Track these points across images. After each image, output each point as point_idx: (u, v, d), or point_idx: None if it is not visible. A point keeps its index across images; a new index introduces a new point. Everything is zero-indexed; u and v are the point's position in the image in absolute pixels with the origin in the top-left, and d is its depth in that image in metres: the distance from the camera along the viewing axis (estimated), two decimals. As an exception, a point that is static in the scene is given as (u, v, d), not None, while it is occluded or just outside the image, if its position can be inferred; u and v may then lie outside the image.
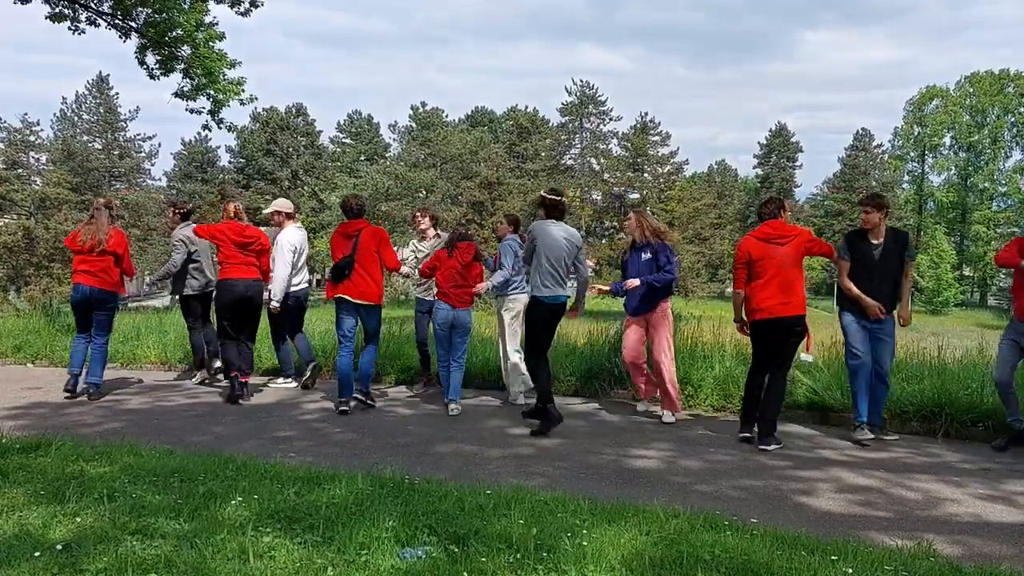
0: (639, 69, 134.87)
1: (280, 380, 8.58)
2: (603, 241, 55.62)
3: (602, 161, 60.69)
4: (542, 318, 6.51)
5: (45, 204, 50.65)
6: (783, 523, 4.15)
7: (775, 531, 3.79)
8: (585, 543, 3.41)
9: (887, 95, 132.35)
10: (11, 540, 3.34)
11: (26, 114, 63.75)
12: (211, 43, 14.29)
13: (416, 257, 8.22)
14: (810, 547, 3.54)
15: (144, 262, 46.58)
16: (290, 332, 8.52)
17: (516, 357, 7.72)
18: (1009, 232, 63.85)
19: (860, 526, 4.29)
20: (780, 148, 74.81)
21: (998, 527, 4.37)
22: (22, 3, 13.20)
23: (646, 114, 62.41)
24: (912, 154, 74.43)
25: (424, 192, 52.06)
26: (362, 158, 70.79)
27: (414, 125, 69.33)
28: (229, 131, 16.54)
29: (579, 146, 62.45)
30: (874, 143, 72.51)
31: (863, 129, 73.29)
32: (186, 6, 13.80)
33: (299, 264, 8.39)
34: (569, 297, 6.64)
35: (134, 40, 14.19)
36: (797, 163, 75.08)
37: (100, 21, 14.03)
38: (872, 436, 6.23)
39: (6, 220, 48.06)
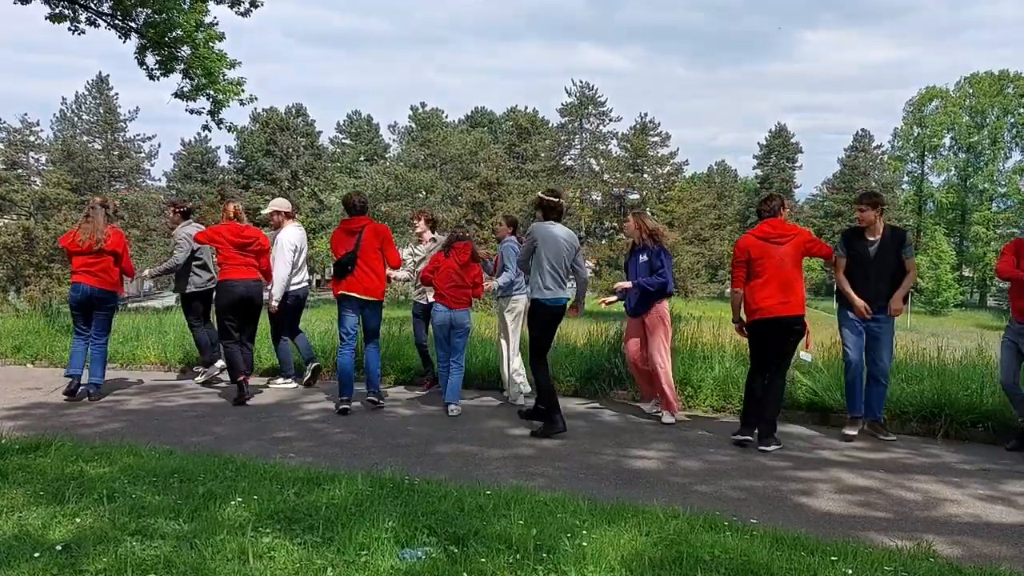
0: (639, 69, 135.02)
1: (280, 380, 8.58)
2: (603, 242, 55.63)
3: (602, 162, 60.70)
4: (544, 320, 6.49)
5: (45, 204, 50.68)
6: (783, 524, 4.15)
7: (775, 532, 3.79)
8: (585, 543, 3.41)
9: (887, 95, 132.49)
10: (11, 541, 3.34)
11: (26, 114, 63.96)
12: (211, 43, 14.30)
13: (413, 261, 8.22)
14: (810, 548, 3.55)
15: (144, 263, 46.50)
16: (290, 331, 8.52)
17: (517, 359, 7.73)
18: (1009, 233, 63.87)
19: (860, 527, 4.29)
20: (780, 149, 74.89)
21: (998, 528, 4.37)
22: (22, 3, 13.21)
23: (646, 115, 62.52)
24: (912, 155, 74.49)
25: (424, 193, 52.11)
26: (362, 159, 70.82)
27: (414, 126, 69.37)
28: (229, 131, 16.56)
29: (579, 147, 62.47)
30: (874, 144, 72.63)
31: (863, 130, 73.44)
32: (186, 6, 13.81)
33: (299, 263, 8.41)
34: (569, 298, 6.64)
35: (134, 40, 14.21)
36: (797, 164, 75.23)
37: (100, 21, 14.04)
38: (854, 432, 6.42)
39: (6, 220, 48.01)
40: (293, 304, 8.43)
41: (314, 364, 8.67)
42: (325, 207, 59.75)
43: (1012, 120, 69.78)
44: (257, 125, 65.48)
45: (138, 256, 44.38)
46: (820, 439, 6.46)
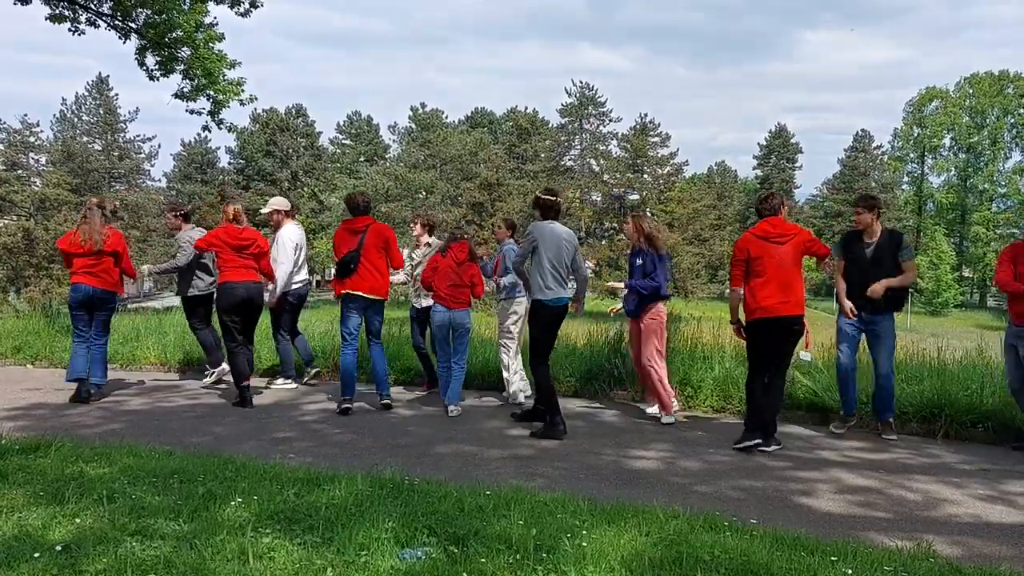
0: (639, 69, 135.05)
1: (280, 381, 8.58)
2: (603, 242, 55.61)
3: (602, 162, 60.70)
4: (546, 321, 6.48)
5: (45, 205, 50.68)
6: (783, 524, 4.15)
7: (775, 532, 3.79)
8: (585, 544, 3.41)
9: (887, 95, 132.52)
10: (11, 541, 3.34)
11: (26, 115, 63.76)
12: (211, 44, 14.29)
13: (410, 265, 8.22)
14: (810, 548, 3.55)
15: (144, 263, 46.68)
16: (290, 330, 8.53)
17: (518, 361, 7.74)
18: (1009, 233, 63.89)
19: (860, 527, 4.29)
20: (780, 149, 74.91)
21: (998, 528, 4.37)
22: (22, 3, 13.20)
23: (646, 115, 62.42)
24: (912, 155, 74.54)
25: (424, 193, 52.12)
26: (362, 159, 70.88)
27: (414, 126, 69.44)
28: (229, 132, 16.57)
29: (579, 147, 62.49)
30: (874, 144, 72.63)
31: (863, 130, 73.50)
32: (186, 7, 13.80)
33: (300, 261, 8.44)
34: (571, 298, 6.64)
35: (134, 41, 14.20)
36: (797, 164, 75.25)
37: (100, 22, 14.03)
38: (841, 431, 6.57)
39: (6, 221, 48.02)
40: (295, 302, 8.45)
41: (315, 370, 8.72)
42: (325, 207, 59.78)
43: (1012, 120, 69.81)
44: (257, 126, 65.49)
45: (138, 257, 44.37)
46: (820, 439, 6.46)
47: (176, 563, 3.14)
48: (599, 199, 59.10)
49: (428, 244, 8.19)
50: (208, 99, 14.69)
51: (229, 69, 14.63)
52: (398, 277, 7.89)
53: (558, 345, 7.93)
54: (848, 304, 6.45)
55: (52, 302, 14.23)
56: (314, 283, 54.40)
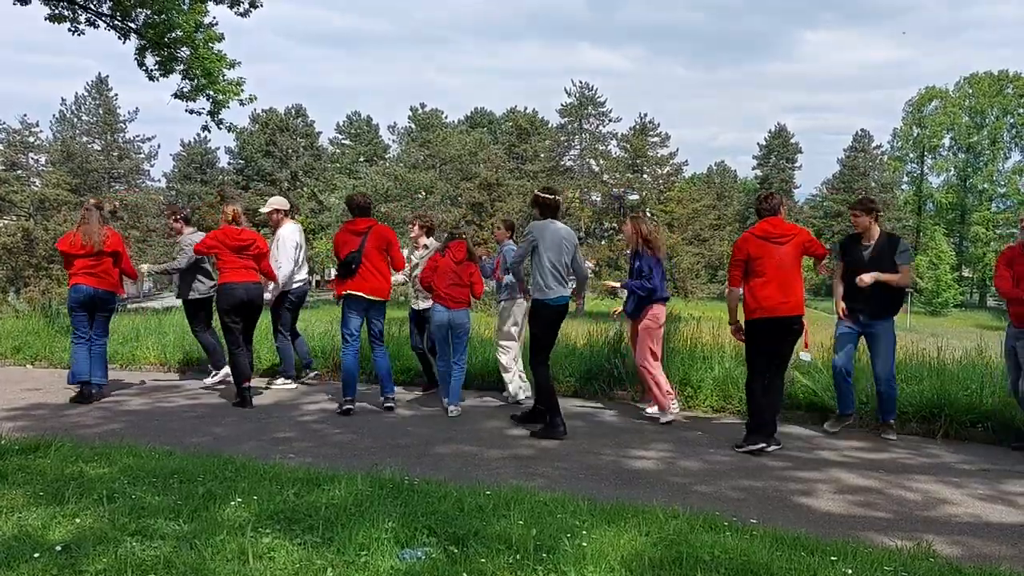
0: (639, 69, 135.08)
1: (280, 381, 8.58)
2: (602, 243, 55.61)
3: (601, 162, 60.65)
4: (547, 320, 6.48)
5: (44, 205, 50.65)
6: (782, 524, 4.15)
7: (775, 532, 3.79)
8: (585, 544, 3.41)
9: (887, 95, 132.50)
10: (10, 541, 3.34)
11: (25, 115, 63.92)
12: (210, 44, 14.29)
13: (409, 266, 8.22)
14: (810, 548, 3.55)
15: (143, 263, 46.70)
16: (290, 330, 8.54)
17: (518, 363, 7.75)
18: (1008, 233, 63.89)
19: (860, 527, 4.29)
20: (779, 149, 74.91)
21: (997, 528, 4.37)
22: (22, 4, 13.20)
23: (645, 115, 62.35)
24: (911, 155, 74.62)
25: (423, 193, 52.11)
26: (361, 159, 70.91)
27: (413, 126, 69.44)
28: (229, 132, 16.57)
29: (578, 147, 62.42)
30: (873, 144, 72.64)
31: (862, 130, 73.46)
32: (185, 7, 13.80)
33: (300, 260, 8.46)
34: (571, 296, 6.65)
35: (133, 41, 14.20)
36: (796, 164, 75.25)
37: (99, 22, 14.03)
38: (835, 429, 6.64)
39: (5, 221, 47.99)
40: (295, 301, 8.51)
41: (313, 373, 8.77)
42: (325, 208, 59.77)
43: (1011, 120, 69.88)
44: (257, 126, 65.49)
45: (138, 257, 44.36)
46: (820, 439, 6.46)
47: (176, 563, 3.14)
48: (599, 199, 59.06)
49: (425, 246, 8.18)
50: (208, 99, 14.70)
51: (229, 69, 14.64)
52: (397, 278, 7.89)
53: (558, 345, 7.93)
54: (841, 305, 6.52)
55: (52, 302, 14.22)
56: (314, 283, 54.43)
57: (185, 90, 14.60)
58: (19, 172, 53.55)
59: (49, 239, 41.44)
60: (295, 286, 8.45)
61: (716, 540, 3.53)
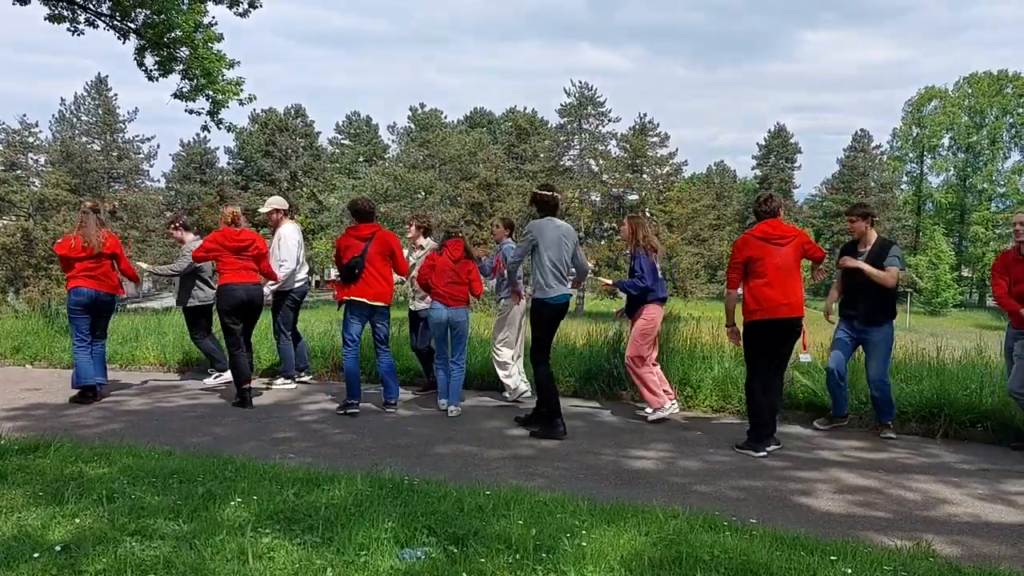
0: (639, 69, 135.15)
1: (280, 381, 8.59)
2: (602, 243, 55.62)
3: (601, 162, 60.64)
4: (548, 319, 6.48)
5: (44, 205, 50.62)
6: (782, 523, 4.15)
7: (774, 531, 3.79)
8: (584, 544, 3.41)
9: (887, 95, 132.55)
10: (10, 541, 3.34)
11: (24, 115, 63.73)
12: (210, 44, 14.29)
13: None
14: (809, 547, 3.55)
15: (141, 262, 46.64)
16: (291, 329, 8.55)
17: (519, 362, 7.76)
18: (1008, 233, 63.91)
19: (859, 526, 4.29)
20: (779, 149, 74.89)
21: (997, 527, 4.37)
22: (21, 4, 13.20)
23: (645, 115, 62.41)
24: (911, 155, 74.62)
25: (423, 193, 52.11)
26: (361, 159, 70.89)
27: (413, 126, 69.42)
28: (228, 131, 16.54)
29: (578, 147, 62.40)
30: (873, 144, 72.61)
31: (862, 130, 73.43)
32: (184, 7, 13.80)
33: (300, 259, 8.48)
34: (571, 294, 6.65)
35: (133, 41, 14.20)
36: (796, 164, 75.20)
37: (99, 22, 14.02)
38: (824, 428, 6.74)
39: (5, 222, 48.02)
40: (297, 299, 8.58)
41: (308, 377, 8.78)
42: (324, 208, 59.76)
43: (1011, 120, 69.89)
44: (256, 126, 65.49)
45: (137, 257, 44.34)
46: (819, 439, 6.46)
47: (176, 563, 3.14)
48: (598, 199, 59.09)
49: (421, 247, 8.18)
50: (207, 99, 14.69)
51: (228, 69, 14.64)
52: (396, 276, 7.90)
53: (558, 345, 7.95)
54: (827, 306, 6.81)
55: (51, 302, 14.22)
56: (313, 283, 54.41)
57: (184, 90, 14.60)
58: (18, 172, 53.50)
59: (48, 239, 41.46)
60: (297, 285, 8.49)
61: (716, 540, 3.54)
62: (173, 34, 13.87)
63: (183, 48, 14.10)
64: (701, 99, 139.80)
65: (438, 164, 57.25)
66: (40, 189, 52.09)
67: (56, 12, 13.63)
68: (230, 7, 14.07)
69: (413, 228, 8.37)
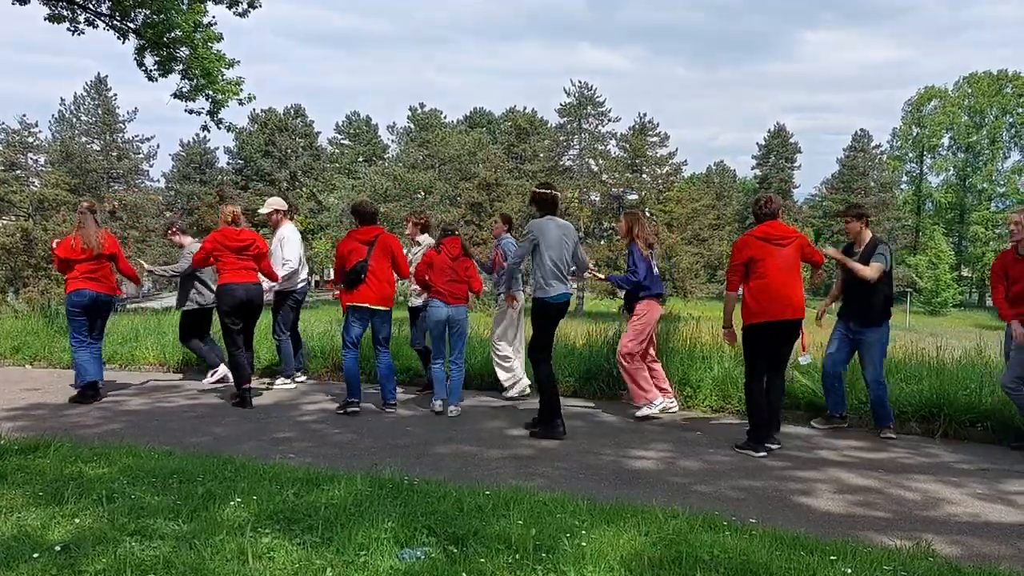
0: (639, 69, 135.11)
1: (280, 381, 8.59)
2: (601, 242, 55.63)
3: (600, 162, 60.65)
4: (549, 318, 6.48)
5: (43, 205, 50.63)
6: (782, 523, 4.15)
7: (774, 531, 3.79)
8: (584, 544, 3.41)
9: (887, 95, 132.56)
10: (10, 541, 3.34)
11: (24, 115, 63.65)
12: (209, 44, 14.29)
13: None
14: (809, 547, 3.55)
15: (141, 260, 46.59)
16: (291, 329, 8.56)
17: (520, 360, 7.76)
18: (1008, 233, 63.91)
19: (859, 526, 4.29)
20: (779, 149, 74.90)
21: (997, 527, 4.37)
22: (20, 4, 13.20)
23: (645, 115, 62.37)
24: (911, 155, 74.62)
25: (423, 193, 52.12)
26: (360, 159, 70.89)
27: (412, 126, 69.41)
28: (228, 131, 16.55)
29: (577, 147, 62.41)
30: (872, 144, 72.65)
31: (862, 130, 73.47)
32: (184, 7, 13.80)
33: (302, 259, 8.50)
34: (572, 293, 6.66)
35: (132, 41, 14.20)
36: (796, 164, 75.23)
37: (98, 22, 14.03)
38: (822, 427, 6.76)
39: (4, 222, 48.02)
40: (300, 299, 8.62)
41: (302, 378, 8.79)
42: (324, 208, 59.76)
43: (1011, 120, 69.90)
44: (256, 126, 65.48)
45: (137, 257, 44.35)
46: (819, 439, 6.46)
47: (175, 563, 3.14)
48: (598, 199, 59.11)
49: (418, 243, 8.20)
50: (207, 99, 14.70)
51: (227, 68, 14.65)
52: None
53: (558, 345, 7.94)
54: (824, 310, 6.93)
55: (51, 302, 14.23)
56: (313, 283, 54.46)
57: (184, 90, 14.61)
58: (18, 172, 53.48)
59: (48, 239, 41.41)
60: (300, 285, 8.52)
61: (715, 540, 3.53)
62: (173, 34, 13.88)
63: (183, 48, 14.11)
64: (701, 99, 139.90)
65: (438, 164, 57.26)
66: (40, 189, 52.09)
67: (56, 12, 13.64)
68: (230, 7, 14.08)
69: (410, 225, 8.39)
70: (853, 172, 70.52)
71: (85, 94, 60.56)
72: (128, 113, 61.94)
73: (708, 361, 7.93)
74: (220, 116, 15.12)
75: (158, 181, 65.49)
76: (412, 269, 7.70)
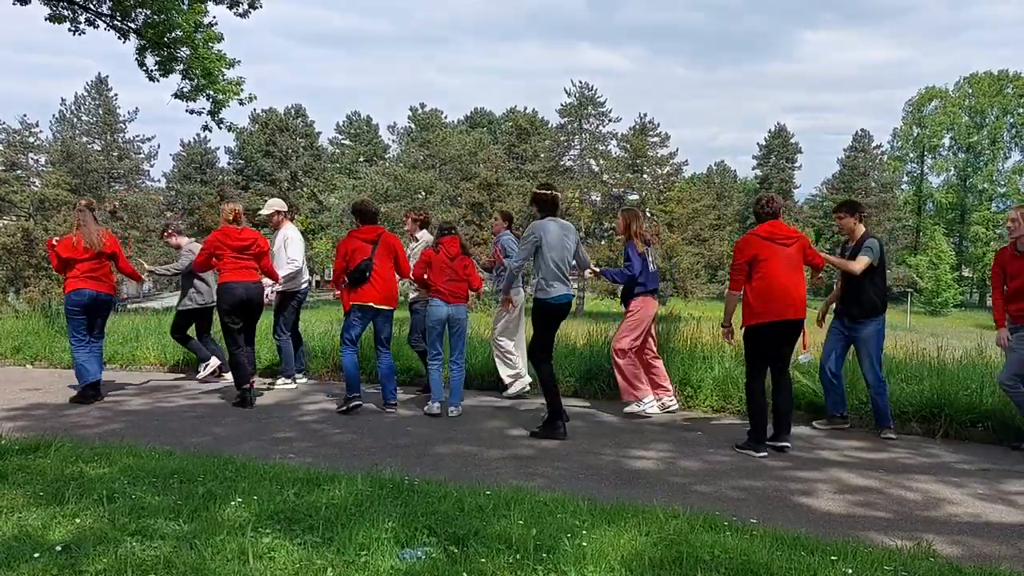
0: (639, 69, 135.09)
1: (280, 381, 8.59)
2: (602, 243, 55.63)
3: (601, 162, 60.68)
4: (550, 319, 6.48)
5: (44, 206, 50.66)
6: (782, 523, 4.15)
7: (774, 531, 3.79)
8: (585, 544, 3.41)
9: (887, 95, 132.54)
10: (10, 541, 3.34)
11: (25, 115, 63.81)
12: (210, 44, 14.31)
13: None
14: (810, 547, 3.55)
15: (142, 260, 46.62)
16: (292, 330, 8.56)
17: (521, 358, 7.77)
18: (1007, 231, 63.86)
19: (860, 526, 4.29)
20: (779, 149, 74.89)
21: (997, 527, 4.37)
22: (21, 4, 13.20)
23: (645, 115, 62.44)
24: (911, 155, 74.61)
25: (423, 193, 52.13)
26: (361, 159, 70.90)
27: (413, 126, 69.41)
28: (229, 131, 16.58)
29: (578, 147, 62.44)
30: (873, 144, 72.64)
31: (862, 130, 73.47)
32: (185, 7, 13.81)
33: (299, 260, 8.51)
34: (574, 295, 6.67)
35: (133, 41, 14.21)
36: (796, 164, 75.23)
37: (99, 22, 14.04)
38: (823, 427, 6.75)
39: (5, 222, 48.04)
40: (301, 298, 8.63)
41: (301, 379, 8.78)
42: (324, 208, 59.77)
43: (1011, 120, 69.90)
44: (256, 126, 65.49)
45: (138, 258, 44.37)
46: (820, 439, 6.46)
47: (176, 563, 3.14)
48: (598, 199, 59.14)
49: (416, 239, 8.21)
50: (208, 99, 14.72)
51: (228, 68, 14.67)
52: None
53: (558, 345, 7.93)
54: (823, 308, 6.96)
55: (51, 302, 14.24)
56: (314, 283, 54.47)
57: (185, 90, 14.62)
58: (19, 172, 53.52)
59: (46, 239, 41.43)
60: (303, 286, 8.54)
61: (716, 540, 3.53)
62: (173, 34, 13.89)
63: (183, 48, 14.12)
64: (701, 99, 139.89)
65: (438, 164, 57.28)
66: (40, 189, 52.11)
67: (56, 12, 13.65)
68: (230, 7, 14.10)
69: (410, 221, 8.41)
70: (854, 172, 70.51)
71: (86, 94, 60.61)
72: (129, 113, 62.08)
73: (709, 361, 7.92)
74: (221, 116, 15.15)
75: (159, 181, 65.65)
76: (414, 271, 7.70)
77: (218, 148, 69.79)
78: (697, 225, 59.30)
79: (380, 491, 4.15)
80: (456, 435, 6.40)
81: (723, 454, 5.90)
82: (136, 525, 3.55)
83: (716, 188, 72.26)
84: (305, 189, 63.57)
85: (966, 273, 70.53)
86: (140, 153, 60.98)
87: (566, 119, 62.82)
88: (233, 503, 3.85)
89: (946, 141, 72.58)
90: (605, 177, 59.59)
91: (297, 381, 8.66)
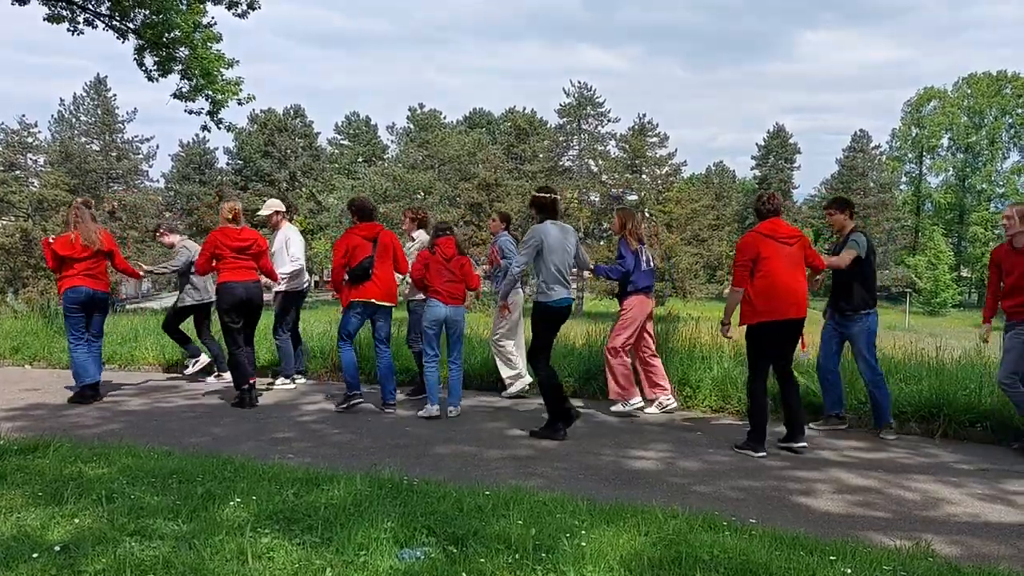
0: (638, 69, 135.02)
1: (280, 381, 8.59)
2: (601, 243, 55.64)
3: (600, 163, 60.70)
4: (550, 322, 6.47)
5: (43, 206, 50.67)
6: (782, 523, 4.15)
7: (774, 531, 3.79)
8: (584, 544, 3.41)
9: (887, 95, 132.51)
10: (9, 541, 3.34)
11: (23, 115, 63.56)
12: (209, 44, 14.31)
13: None
14: (809, 547, 3.55)
15: (142, 263, 46.61)
16: (292, 330, 8.56)
17: (521, 358, 7.78)
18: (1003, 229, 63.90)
19: (859, 526, 4.29)
20: (778, 149, 74.93)
21: (996, 527, 4.37)
22: (20, 4, 13.20)
23: (644, 115, 62.41)
24: (910, 155, 74.59)
25: (422, 194, 52.15)
26: (360, 160, 70.88)
27: (412, 127, 69.41)
28: (228, 131, 16.57)
29: (577, 148, 62.46)
30: (872, 144, 72.70)
31: (861, 130, 73.55)
32: (183, 7, 13.81)
33: (302, 259, 8.54)
34: (574, 298, 6.66)
35: (132, 41, 14.22)
36: (795, 164, 75.29)
37: (98, 22, 14.04)
38: (821, 427, 6.71)
39: (4, 222, 48.04)
40: (301, 299, 8.63)
41: (300, 380, 8.79)
42: (323, 208, 59.76)
43: (1010, 120, 69.92)
44: (255, 126, 65.48)
45: (136, 257, 44.35)
46: (819, 439, 6.46)
47: (175, 563, 3.14)
48: (597, 199, 59.15)
49: (412, 238, 8.21)
50: (206, 99, 14.72)
51: (227, 69, 14.67)
52: None
53: (557, 345, 7.94)
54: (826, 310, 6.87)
55: (50, 303, 14.21)
56: (313, 283, 54.45)
57: (184, 90, 14.63)
58: (17, 173, 53.49)
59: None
60: (304, 286, 8.57)
61: (715, 540, 3.53)
62: (172, 34, 13.90)
63: (182, 48, 14.12)
64: (700, 99, 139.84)
65: (437, 164, 57.29)
66: (39, 189, 52.11)
67: (55, 12, 13.65)
68: (229, 8, 14.11)
69: (407, 220, 8.42)
70: (852, 173, 70.55)
71: (84, 94, 60.59)
72: (127, 113, 61.94)
73: (708, 361, 7.92)
74: (220, 116, 15.15)
75: (157, 181, 65.60)
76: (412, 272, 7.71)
77: (217, 148, 69.90)
78: (696, 225, 59.31)
79: (379, 491, 4.15)
80: (455, 435, 6.39)
81: (722, 454, 5.91)
82: (135, 525, 3.55)
83: (715, 188, 72.32)
84: (304, 189, 63.56)
85: (965, 273, 70.53)
86: (139, 153, 60.95)
87: (565, 119, 62.83)
88: (232, 503, 3.85)
89: (945, 141, 72.62)
90: (604, 177, 59.61)
91: (296, 381, 8.66)
